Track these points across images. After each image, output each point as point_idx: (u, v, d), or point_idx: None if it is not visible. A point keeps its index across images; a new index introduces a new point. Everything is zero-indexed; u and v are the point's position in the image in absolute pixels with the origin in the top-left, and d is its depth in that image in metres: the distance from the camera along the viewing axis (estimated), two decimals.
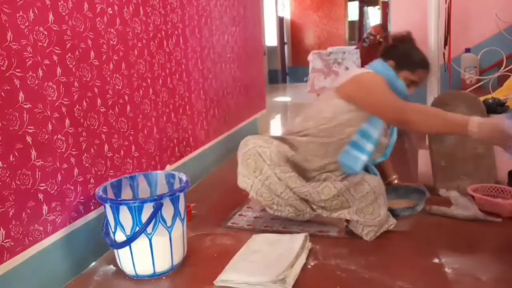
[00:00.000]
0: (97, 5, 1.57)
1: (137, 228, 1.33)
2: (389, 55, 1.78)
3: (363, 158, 1.65)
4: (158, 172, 1.64)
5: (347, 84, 1.70)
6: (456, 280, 1.31)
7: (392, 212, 1.70)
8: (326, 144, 1.69)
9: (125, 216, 1.33)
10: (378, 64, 1.78)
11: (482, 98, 2.14)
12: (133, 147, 1.80)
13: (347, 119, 1.67)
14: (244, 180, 1.68)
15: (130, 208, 1.32)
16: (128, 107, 1.77)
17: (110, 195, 1.47)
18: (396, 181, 2.03)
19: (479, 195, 1.83)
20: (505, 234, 1.60)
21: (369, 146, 1.66)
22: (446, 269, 1.37)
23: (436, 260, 1.43)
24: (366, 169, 1.76)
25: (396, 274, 1.35)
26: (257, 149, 1.65)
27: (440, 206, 1.80)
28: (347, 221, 1.67)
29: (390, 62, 1.76)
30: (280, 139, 1.75)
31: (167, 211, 1.37)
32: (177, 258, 1.44)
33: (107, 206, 1.36)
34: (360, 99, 1.66)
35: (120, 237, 1.37)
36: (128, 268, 1.41)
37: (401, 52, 1.76)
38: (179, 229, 1.43)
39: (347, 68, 6.01)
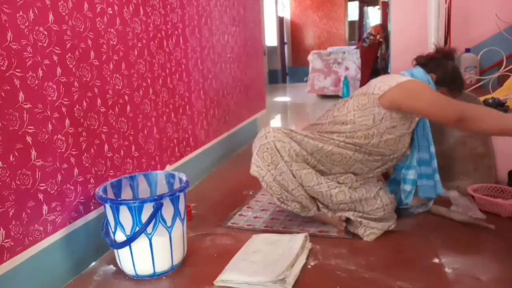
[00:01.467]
0: (97, 5, 1.57)
1: (137, 228, 1.33)
2: (432, 67, 1.72)
3: (435, 178, 1.78)
4: (158, 172, 1.64)
5: (392, 92, 1.59)
6: (456, 280, 1.31)
7: (405, 209, 1.71)
8: (365, 161, 1.68)
9: (125, 216, 1.33)
10: (420, 72, 1.72)
11: (482, 98, 2.14)
12: (133, 147, 1.80)
13: (386, 127, 1.62)
14: (258, 170, 1.65)
15: (130, 208, 1.32)
16: (128, 107, 1.77)
17: (110, 195, 1.47)
18: None
19: (479, 195, 1.83)
20: (505, 234, 1.60)
21: (430, 168, 1.78)
22: (446, 269, 1.37)
23: (436, 260, 1.43)
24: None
25: (396, 274, 1.35)
26: (276, 144, 1.61)
27: (440, 206, 1.80)
28: (346, 222, 1.67)
29: (432, 75, 1.70)
30: (306, 136, 1.67)
31: (167, 211, 1.37)
32: (177, 258, 1.44)
33: (107, 206, 1.36)
34: (413, 106, 1.59)
35: (120, 237, 1.37)
36: (128, 268, 1.41)
37: (447, 69, 1.71)
38: (179, 229, 1.43)
39: (347, 68, 6.02)
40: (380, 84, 1.63)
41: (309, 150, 1.64)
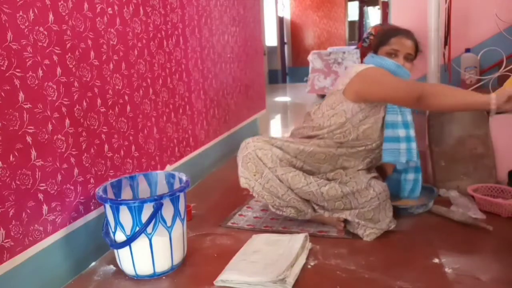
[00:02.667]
0: (97, 5, 1.57)
1: (137, 228, 1.33)
2: (367, 50, 1.83)
3: (402, 146, 1.69)
4: (158, 172, 1.64)
5: (353, 83, 1.66)
6: (456, 280, 1.31)
7: (405, 209, 1.71)
8: (352, 153, 1.70)
9: (125, 216, 1.33)
10: (369, 58, 1.78)
11: None
12: (133, 147, 1.80)
13: (359, 120, 1.67)
14: (246, 181, 1.68)
15: (130, 208, 1.32)
16: (128, 107, 1.77)
17: (110, 195, 1.47)
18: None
19: (479, 195, 1.83)
20: (505, 234, 1.60)
21: (401, 132, 1.69)
22: (446, 269, 1.37)
23: (436, 260, 1.43)
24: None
25: (396, 274, 1.35)
26: (257, 152, 1.65)
27: (440, 206, 1.80)
28: (345, 222, 1.67)
29: (371, 53, 1.79)
30: (286, 141, 1.70)
31: (167, 211, 1.37)
32: (177, 258, 1.44)
33: (107, 206, 1.36)
34: (373, 93, 1.63)
35: (120, 237, 1.37)
36: (128, 268, 1.41)
37: (370, 38, 1.83)
38: (179, 229, 1.43)
39: (347, 68, 6.02)
40: (342, 79, 1.71)
41: (292, 154, 1.67)
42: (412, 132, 1.74)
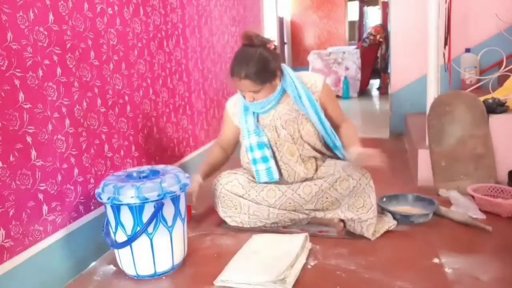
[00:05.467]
0: (97, 5, 1.57)
1: (138, 228, 1.33)
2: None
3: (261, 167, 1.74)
4: None
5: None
6: (456, 280, 1.31)
7: (406, 218, 1.70)
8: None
9: (126, 216, 1.33)
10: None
11: (482, 98, 2.13)
12: (133, 147, 1.80)
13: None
14: (232, 219, 1.74)
15: (131, 208, 1.32)
16: (128, 107, 1.77)
17: None
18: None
19: (479, 195, 1.83)
20: (505, 234, 1.60)
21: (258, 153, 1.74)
22: (446, 269, 1.37)
23: (436, 260, 1.43)
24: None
25: (396, 274, 1.35)
26: (225, 187, 1.70)
27: (440, 206, 1.80)
28: (344, 223, 1.67)
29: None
30: (247, 162, 1.76)
31: (168, 211, 1.37)
32: (178, 258, 1.44)
33: (108, 206, 1.36)
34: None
35: (120, 237, 1.37)
36: (128, 268, 1.41)
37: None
38: (179, 229, 1.43)
39: (347, 68, 6.01)
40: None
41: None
42: (268, 152, 1.71)
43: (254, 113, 1.74)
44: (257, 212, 1.68)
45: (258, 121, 1.75)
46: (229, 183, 1.71)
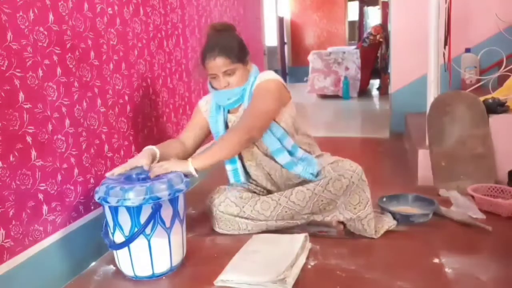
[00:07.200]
0: (97, 5, 1.57)
1: (136, 229, 1.33)
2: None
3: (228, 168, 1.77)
4: None
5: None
6: (456, 280, 1.31)
7: (406, 217, 1.69)
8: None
9: (124, 217, 1.33)
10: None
11: (482, 98, 2.13)
12: (133, 147, 1.80)
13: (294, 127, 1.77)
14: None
15: (128, 209, 1.32)
16: (128, 107, 1.77)
17: None
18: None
19: (479, 195, 1.83)
20: (505, 234, 1.60)
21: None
22: (446, 269, 1.37)
23: (436, 260, 1.43)
24: None
25: (396, 274, 1.35)
26: (219, 209, 1.67)
27: (440, 206, 1.80)
28: (343, 224, 1.66)
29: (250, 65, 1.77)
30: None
31: (166, 212, 1.37)
32: (176, 260, 1.44)
33: (106, 206, 1.36)
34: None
35: (119, 238, 1.36)
36: (126, 269, 1.40)
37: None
38: (178, 230, 1.43)
39: (347, 68, 6.02)
40: None
41: (245, 185, 1.76)
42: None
43: (224, 114, 1.74)
44: (256, 227, 1.66)
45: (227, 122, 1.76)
46: (221, 204, 1.67)
